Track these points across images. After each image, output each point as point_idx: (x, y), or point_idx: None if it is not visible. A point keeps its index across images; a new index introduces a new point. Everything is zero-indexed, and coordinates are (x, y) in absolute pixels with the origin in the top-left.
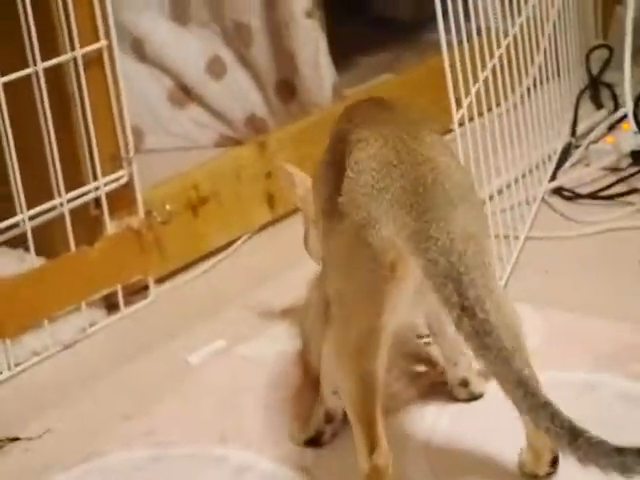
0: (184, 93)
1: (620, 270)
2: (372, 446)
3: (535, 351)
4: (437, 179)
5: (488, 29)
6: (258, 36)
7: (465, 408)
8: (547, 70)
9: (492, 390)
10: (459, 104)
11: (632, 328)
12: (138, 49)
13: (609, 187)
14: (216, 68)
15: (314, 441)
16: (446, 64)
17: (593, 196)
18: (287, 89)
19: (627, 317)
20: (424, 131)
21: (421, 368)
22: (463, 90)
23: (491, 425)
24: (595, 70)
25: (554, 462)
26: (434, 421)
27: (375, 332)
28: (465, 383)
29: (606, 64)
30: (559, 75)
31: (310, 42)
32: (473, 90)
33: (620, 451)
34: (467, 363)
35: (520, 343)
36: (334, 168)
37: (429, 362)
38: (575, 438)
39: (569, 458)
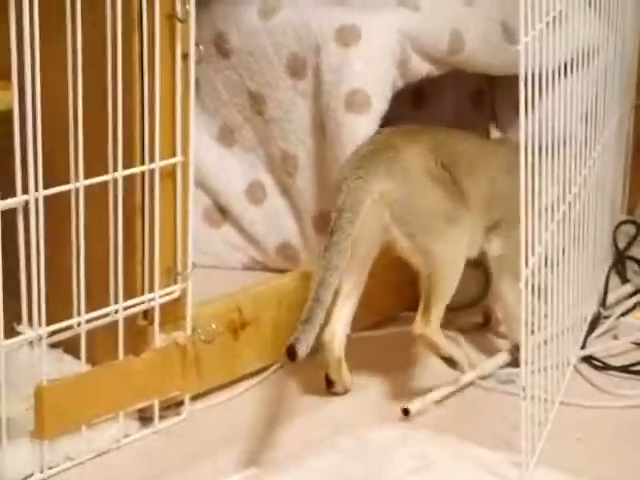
0: (220, 213)
1: None
2: None
3: None
4: (380, 156)
5: None
6: (303, 167)
7: None
8: (581, 237)
9: None
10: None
11: None
12: None
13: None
14: (256, 193)
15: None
16: None
17: (624, 369)
18: (325, 222)
19: None
20: (404, 141)
21: None
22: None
23: None
24: (622, 245)
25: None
26: None
27: None
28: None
29: (633, 239)
30: (594, 243)
31: None
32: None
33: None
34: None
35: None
36: None
37: None
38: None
39: None
